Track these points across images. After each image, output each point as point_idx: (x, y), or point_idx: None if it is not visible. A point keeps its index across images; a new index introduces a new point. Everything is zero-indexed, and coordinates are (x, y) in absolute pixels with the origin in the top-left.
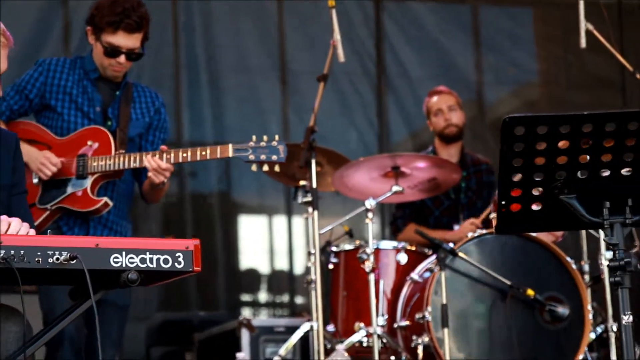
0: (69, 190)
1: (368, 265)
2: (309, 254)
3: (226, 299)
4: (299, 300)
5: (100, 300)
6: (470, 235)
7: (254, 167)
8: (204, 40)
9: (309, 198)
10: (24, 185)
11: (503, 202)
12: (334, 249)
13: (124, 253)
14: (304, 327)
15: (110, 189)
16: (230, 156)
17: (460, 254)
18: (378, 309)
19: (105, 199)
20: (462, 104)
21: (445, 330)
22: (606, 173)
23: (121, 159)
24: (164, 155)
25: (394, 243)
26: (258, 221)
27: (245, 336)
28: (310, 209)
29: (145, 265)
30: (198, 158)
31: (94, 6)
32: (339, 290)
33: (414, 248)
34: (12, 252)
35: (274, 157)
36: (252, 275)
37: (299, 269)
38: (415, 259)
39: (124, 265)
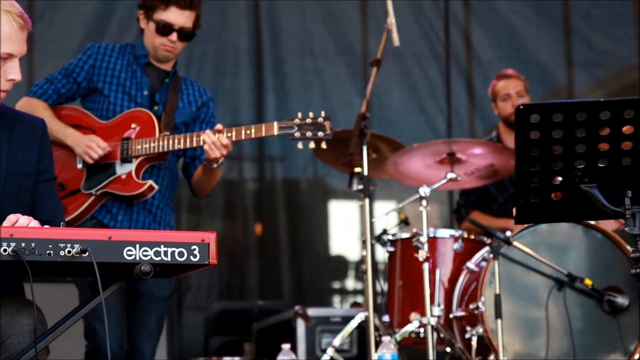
0: (114, 174)
1: (422, 254)
2: (364, 242)
3: (310, 288)
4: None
5: (139, 290)
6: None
7: (300, 145)
8: (267, 23)
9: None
10: (52, 173)
11: (522, 192)
12: (389, 237)
13: (137, 246)
14: (358, 318)
15: (156, 173)
16: (276, 134)
17: (515, 243)
18: (434, 299)
19: (150, 181)
20: (528, 88)
21: (499, 321)
22: (627, 161)
23: (165, 141)
24: (225, 132)
25: (451, 231)
26: (349, 207)
27: (300, 326)
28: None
29: (159, 259)
30: (243, 137)
31: None
32: (395, 280)
33: (472, 236)
34: (23, 244)
35: (320, 134)
36: (340, 261)
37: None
38: (473, 247)
39: (137, 258)
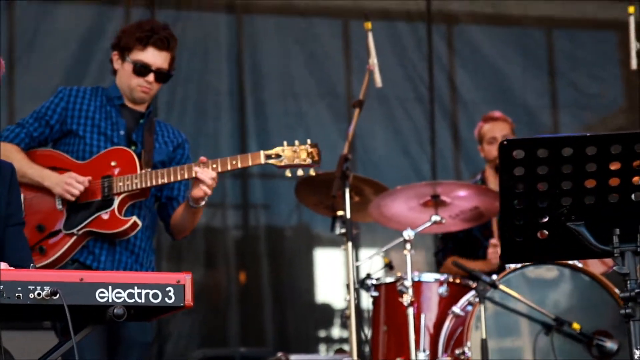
0: (96, 212)
1: (406, 299)
2: (348, 287)
3: (295, 335)
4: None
5: (118, 335)
6: (512, 266)
7: (288, 173)
8: (249, 65)
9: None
10: (21, 217)
11: (506, 231)
12: (373, 281)
13: (110, 287)
14: None
15: (137, 212)
16: (262, 163)
17: (501, 286)
18: (419, 344)
19: (134, 217)
20: (514, 130)
21: None
22: (615, 198)
23: (148, 176)
24: (210, 164)
25: (436, 275)
26: (334, 254)
27: None
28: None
29: (133, 300)
30: (229, 167)
31: (119, 32)
32: (379, 325)
33: (457, 280)
34: None
35: (308, 161)
36: (326, 309)
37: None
38: (458, 291)
39: (110, 300)
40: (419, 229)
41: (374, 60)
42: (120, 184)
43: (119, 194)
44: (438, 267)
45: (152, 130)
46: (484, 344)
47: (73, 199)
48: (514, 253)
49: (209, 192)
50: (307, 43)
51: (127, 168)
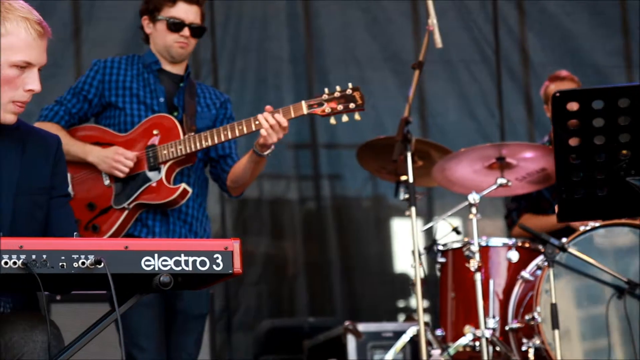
0: (144, 184)
1: (473, 264)
2: (413, 253)
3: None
4: None
5: (174, 309)
6: (582, 228)
7: (332, 121)
8: (309, 32)
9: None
10: (66, 189)
11: (563, 188)
12: (440, 247)
13: (156, 255)
14: (410, 332)
15: (186, 179)
16: (305, 113)
17: (571, 249)
18: (488, 311)
19: (183, 185)
20: None
21: (556, 331)
22: None
23: (192, 140)
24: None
25: (505, 240)
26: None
27: (351, 342)
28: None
29: (180, 268)
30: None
31: None
32: (447, 292)
33: (527, 244)
34: (34, 256)
35: (352, 106)
36: (405, 280)
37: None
38: (528, 256)
39: (156, 268)
40: (484, 192)
41: (433, 20)
42: (165, 152)
43: (164, 162)
44: (510, 229)
45: (194, 93)
46: (553, 308)
47: (124, 175)
48: (571, 211)
49: (274, 139)
50: (369, 6)
51: (169, 135)
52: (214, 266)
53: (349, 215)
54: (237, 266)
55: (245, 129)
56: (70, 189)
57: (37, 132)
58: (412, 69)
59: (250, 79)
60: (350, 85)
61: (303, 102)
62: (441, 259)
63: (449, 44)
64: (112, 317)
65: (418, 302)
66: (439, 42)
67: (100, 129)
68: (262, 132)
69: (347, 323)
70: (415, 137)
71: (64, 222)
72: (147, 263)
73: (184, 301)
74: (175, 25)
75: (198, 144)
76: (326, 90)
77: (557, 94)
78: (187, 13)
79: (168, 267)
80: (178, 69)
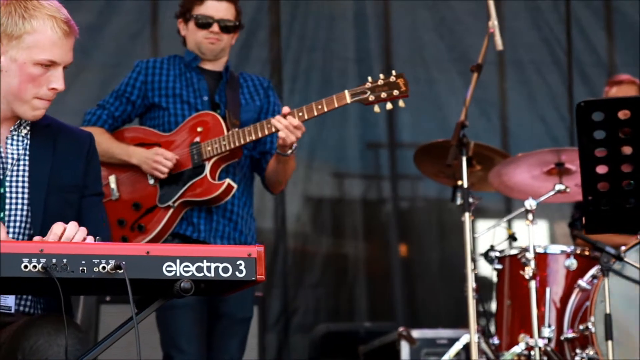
0: (189, 181)
1: (529, 271)
2: (470, 260)
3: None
4: None
5: (218, 313)
6: None
7: (377, 109)
8: (376, 32)
9: (470, 199)
10: (99, 187)
11: (590, 199)
12: (497, 254)
13: (178, 261)
14: (464, 339)
15: (232, 175)
16: (349, 102)
17: (627, 258)
18: (544, 319)
19: (228, 180)
20: None
21: (610, 342)
22: None
23: (235, 136)
24: (295, 112)
25: (563, 247)
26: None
27: (405, 349)
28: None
29: (202, 274)
30: (315, 113)
31: (180, 3)
32: (503, 299)
33: (586, 252)
34: (54, 260)
35: (396, 92)
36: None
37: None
38: (586, 264)
39: (178, 274)
40: (542, 198)
41: (494, 22)
42: (209, 148)
43: (209, 158)
44: (574, 238)
45: (236, 85)
46: (607, 319)
47: (164, 176)
48: (598, 222)
49: (292, 138)
50: (437, 6)
51: (213, 132)
52: (237, 273)
53: (413, 217)
54: (261, 272)
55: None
56: (115, 190)
57: (68, 129)
58: (471, 72)
59: (314, 79)
60: (393, 72)
61: (346, 91)
62: (498, 266)
63: (519, 44)
64: (130, 324)
65: (469, 309)
66: (499, 44)
67: (145, 129)
68: (280, 133)
69: (401, 329)
70: (475, 141)
71: (96, 221)
72: (168, 269)
73: (229, 304)
74: (204, 22)
75: (242, 139)
76: (369, 78)
77: (582, 104)
78: (217, 10)
79: (190, 273)
80: (217, 66)
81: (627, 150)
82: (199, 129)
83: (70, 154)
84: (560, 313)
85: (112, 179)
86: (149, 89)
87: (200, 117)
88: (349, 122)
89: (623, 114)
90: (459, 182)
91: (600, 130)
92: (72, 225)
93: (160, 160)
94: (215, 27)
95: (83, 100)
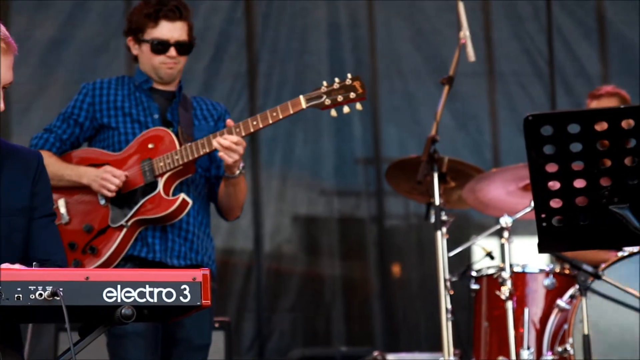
0: (141, 199)
1: (505, 291)
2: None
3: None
4: None
5: (174, 338)
6: (620, 254)
7: (333, 113)
8: (350, 44)
9: (443, 217)
10: (50, 208)
11: (543, 216)
12: (474, 273)
13: (118, 286)
14: None
15: (185, 190)
16: (305, 107)
17: (606, 277)
18: (522, 341)
19: (182, 195)
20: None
21: None
22: None
23: (189, 149)
24: (233, 129)
25: (541, 265)
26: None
27: None
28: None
29: (144, 300)
30: (270, 121)
31: (127, 16)
32: (481, 321)
33: (567, 271)
34: None
35: (352, 95)
36: None
37: None
38: (566, 283)
39: (119, 300)
40: (518, 215)
41: (465, 32)
42: (161, 163)
43: (161, 174)
44: (554, 257)
45: (189, 106)
46: (586, 340)
47: (112, 194)
48: (551, 240)
49: (229, 160)
50: (413, 17)
51: (165, 147)
52: (181, 298)
53: (391, 234)
54: (206, 298)
55: (243, 129)
56: (65, 214)
57: (14, 149)
58: (441, 85)
59: (287, 92)
60: (349, 75)
61: (301, 97)
62: (474, 286)
63: (499, 55)
64: (68, 355)
65: (443, 331)
66: (471, 55)
67: (95, 150)
68: (219, 153)
69: (375, 353)
70: (448, 157)
71: (48, 244)
72: (109, 294)
73: (186, 329)
74: (160, 47)
75: (195, 152)
76: (324, 82)
77: (530, 117)
78: (172, 31)
79: (131, 299)
80: (170, 87)
81: (578, 166)
82: (150, 146)
83: (17, 175)
84: (540, 334)
85: (61, 203)
86: (97, 110)
87: (151, 133)
88: (323, 136)
89: (572, 128)
90: (432, 200)
91: (549, 144)
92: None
93: (107, 177)
94: (172, 52)
95: (46, 119)
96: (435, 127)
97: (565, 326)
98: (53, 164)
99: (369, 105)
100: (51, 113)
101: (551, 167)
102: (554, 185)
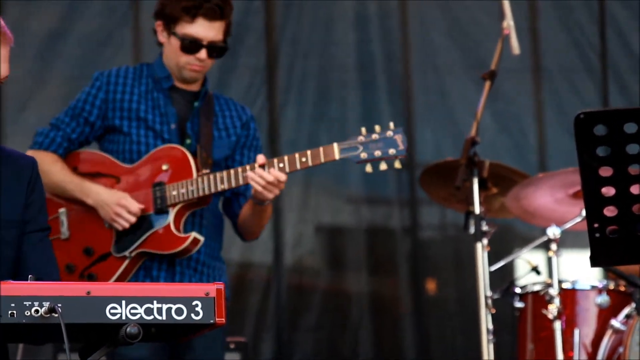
0: (149, 229)
1: (552, 310)
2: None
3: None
4: None
5: (184, 358)
6: None
7: (368, 168)
8: (379, 35)
9: (484, 227)
10: (44, 221)
11: (595, 226)
12: (518, 290)
13: (123, 302)
14: None
15: (198, 222)
16: (337, 158)
17: None
18: None
19: (193, 234)
20: None
21: None
22: None
23: (206, 182)
24: (275, 163)
25: (593, 281)
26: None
27: None
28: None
29: (151, 317)
30: (298, 167)
31: None
32: (525, 342)
33: (621, 287)
34: None
35: (392, 151)
36: None
37: None
38: (621, 301)
39: (123, 317)
40: (567, 225)
41: (509, 22)
42: (174, 192)
43: (173, 205)
44: (606, 270)
45: (211, 113)
46: None
47: (121, 229)
48: (605, 253)
49: (269, 195)
50: (450, 5)
51: (180, 171)
52: (193, 315)
53: (425, 246)
54: (220, 315)
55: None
56: (66, 228)
57: (7, 154)
58: (482, 80)
59: (310, 89)
60: (391, 125)
61: (335, 145)
62: (519, 304)
63: (546, 49)
64: None
65: (484, 355)
66: (516, 47)
67: (104, 157)
68: (257, 187)
69: None
70: (489, 160)
71: (40, 263)
72: (112, 311)
73: (195, 352)
74: (191, 47)
75: (212, 187)
76: (363, 130)
77: (582, 116)
78: (208, 31)
79: (137, 316)
80: (193, 86)
81: (636, 170)
82: (164, 167)
83: (9, 185)
84: (592, 358)
85: (62, 213)
86: (110, 109)
87: (166, 151)
88: (350, 137)
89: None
90: (471, 208)
91: (603, 146)
92: None
93: (121, 213)
94: (202, 54)
95: (43, 117)
96: (476, 127)
97: (621, 349)
98: (57, 173)
99: (401, 103)
100: (49, 112)
101: (605, 171)
102: (608, 191)
